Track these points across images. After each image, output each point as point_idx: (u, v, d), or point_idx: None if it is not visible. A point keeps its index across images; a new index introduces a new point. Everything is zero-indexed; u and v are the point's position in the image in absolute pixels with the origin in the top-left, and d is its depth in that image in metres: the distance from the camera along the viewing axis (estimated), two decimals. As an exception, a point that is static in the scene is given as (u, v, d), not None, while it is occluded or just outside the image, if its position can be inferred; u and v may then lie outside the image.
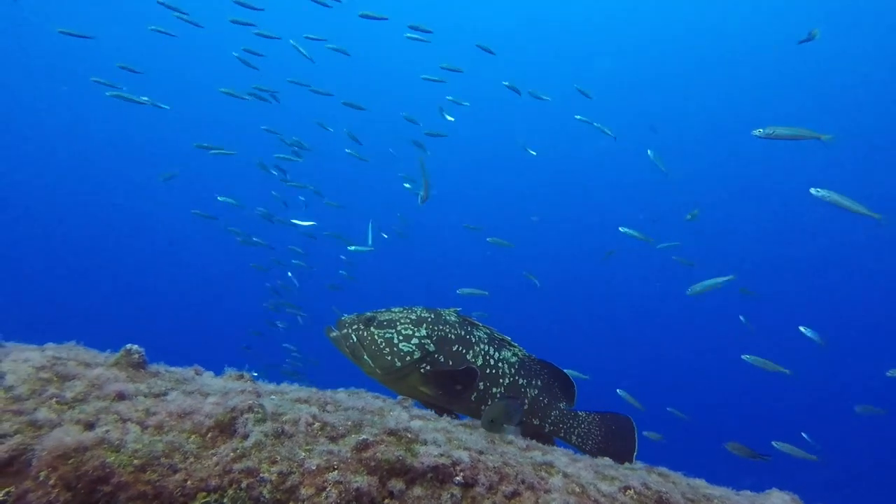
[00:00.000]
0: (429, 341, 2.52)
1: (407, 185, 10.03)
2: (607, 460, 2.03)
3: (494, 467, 1.62)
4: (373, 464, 1.51)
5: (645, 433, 6.74)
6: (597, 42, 28.97)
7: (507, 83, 9.52)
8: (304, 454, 1.50)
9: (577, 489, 1.63)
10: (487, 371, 2.62)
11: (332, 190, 12.20)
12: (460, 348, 2.58)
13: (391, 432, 1.64)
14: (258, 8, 8.18)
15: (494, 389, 2.62)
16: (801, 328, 6.56)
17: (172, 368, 2.04)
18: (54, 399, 1.65)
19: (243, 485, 1.40)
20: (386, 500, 1.46)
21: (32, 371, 1.75)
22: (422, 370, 2.49)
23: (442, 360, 2.52)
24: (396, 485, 1.49)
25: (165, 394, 1.73)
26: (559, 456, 1.88)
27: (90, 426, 1.52)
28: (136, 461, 1.41)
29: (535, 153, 11.17)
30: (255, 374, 2.08)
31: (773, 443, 6.44)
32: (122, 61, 8.48)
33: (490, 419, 2.00)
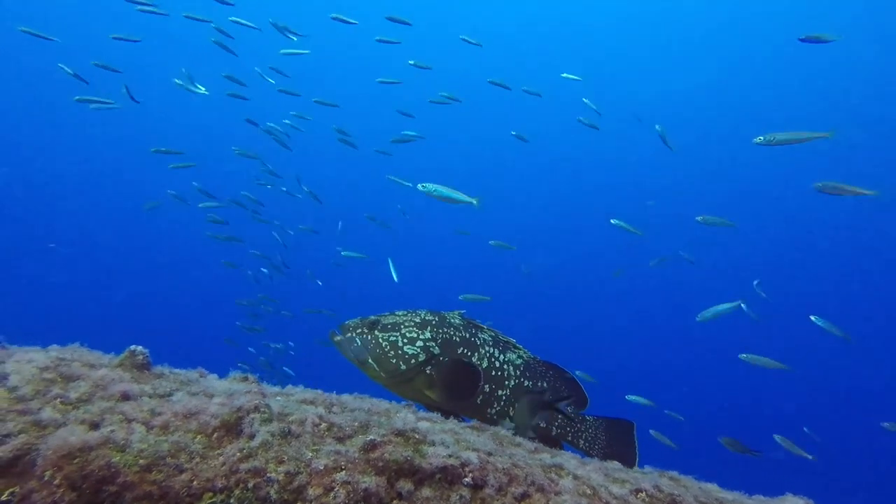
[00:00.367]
0: (433, 344, 2.51)
1: (393, 178, 9.93)
2: (616, 464, 2.01)
3: (504, 469, 1.60)
4: (381, 464, 1.49)
5: (652, 432, 6.70)
6: (599, 41, 28.93)
7: (493, 81, 9.44)
8: (311, 454, 1.48)
9: (589, 491, 1.61)
10: (493, 373, 2.60)
11: (315, 185, 12.02)
12: (465, 350, 2.57)
13: (399, 433, 1.62)
14: (229, 3, 8.03)
15: (500, 392, 2.60)
16: (813, 317, 6.47)
17: (177, 370, 2.03)
18: (59, 399, 1.63)
19: (250, 485, 1.38)
20: (394, 501, 1.44)
21: (36, 372, 1.74)
22: (427, 373, 2.47)
23: (443, 368, 2.50)
24: (405, 485, 1.47)
25: (170, 394, 1.72)
26: (568, 458, 1.86)
27: (95, 426, 1.51)
28: (141, 461, 1.40)
29: (515, 133, 11.05)
30: (258, 375, 2.06)
31: (775, 436, 6.41)
32: (106, 59, 8.36)
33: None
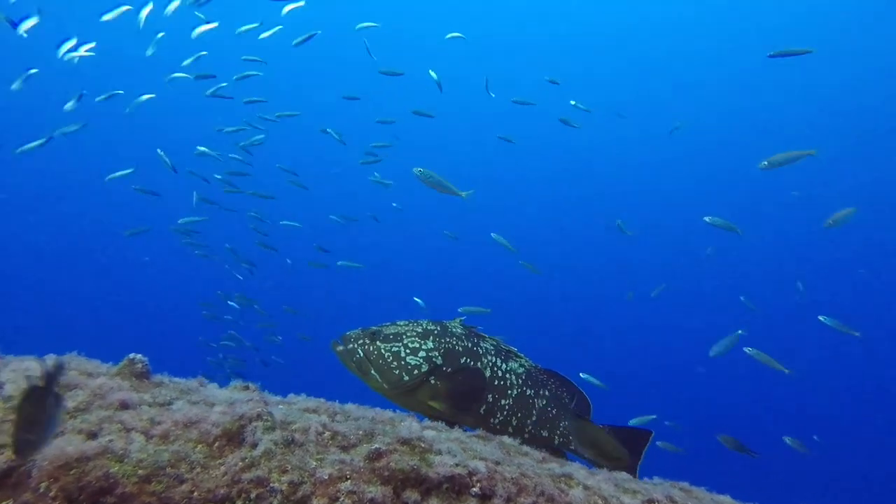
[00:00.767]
0: (436, 353, 2.48)
1: (377, 176, 9.85)
2: (625, 474, 1.97)
3: (512, 478, 1.56)
4: (386, 473, 1.45)
5: (659, 443, 6.60)
6: (599, 44, 28.97)
7: (417, 111, 9.42)
8: (315, 463, 1.44)
9: (600, 502, 1.56)
10: (496, 383, 2.57)
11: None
12: (468, 360, 2.54)
13: (404, 441, 1.58)
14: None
15: (503, 401, 2.57)
16: (822, 318, 6.43)
17: (177, 379, 1.99)
18: (55, 409, 1.59)
19: (253, 495, 1.34)
20: (401, 512, 1.40)
21: (33, 380, 1.70)
22: (430, 383, 2.44)
23: (450, 372, 2.47)
24: (411, 495, 1.43)
25: (170, 403, 1.68)
26: (577, 468, 1.82)
27: (93, 435, 1.47)
28: (140, 471, 1.35)
29: (502, 136, 10.94)
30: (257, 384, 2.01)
31: (785, 438, 6.36)
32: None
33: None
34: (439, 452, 1.57)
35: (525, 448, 1.93)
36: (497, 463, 1.62)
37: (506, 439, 1.96)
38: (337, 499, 1.35)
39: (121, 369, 1.85)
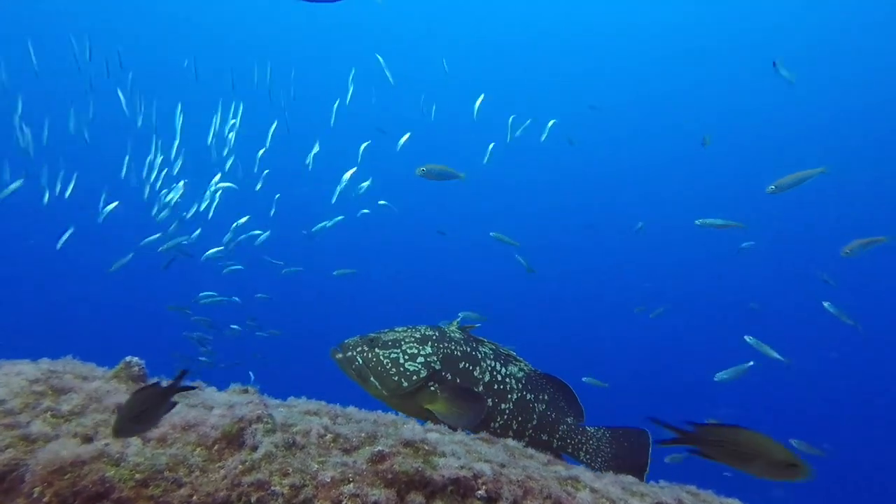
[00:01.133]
0: (435, 359, 2.48)
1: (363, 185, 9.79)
2: (631, 477, 1.94)
3: (518, 481, 1.53)
4: (390, 476, 1.41)
5: (666, 459, 6.54)
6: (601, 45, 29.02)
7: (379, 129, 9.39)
8: (317, 466, 1.40)
9: None
10: (495, 387, 2.57)
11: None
12: (467, 365, 2.54)
13: (408, 443, 1.54)
14: None
15: (503, 406, 2.56)
16: (825, 304, 6.36)
17: (174, 383, 1.95)
18: (49, 412, 1.55)
19: (253, 499, 1.30)
20: (406, 515, 1.36)
21: (25, 384, 1.66)
22: (429, 389, 2.43)
23: (449, 377, 2.47)
24: (416, 498, 1.39)
25: (168, 406, 1.64)
26: (583, 471, 1.79)
27: (88, 439, 1.43)
28: (137, 475, 1.32)
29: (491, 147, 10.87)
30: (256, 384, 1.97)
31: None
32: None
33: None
34: (443, 455, 1.53)
35: (530, 451, 1.90)
36: (502, 465, 1.59)
37: (510, 442, 1.93)
38: (340, 502, 1.32)
39: (117, 372, 1.82)
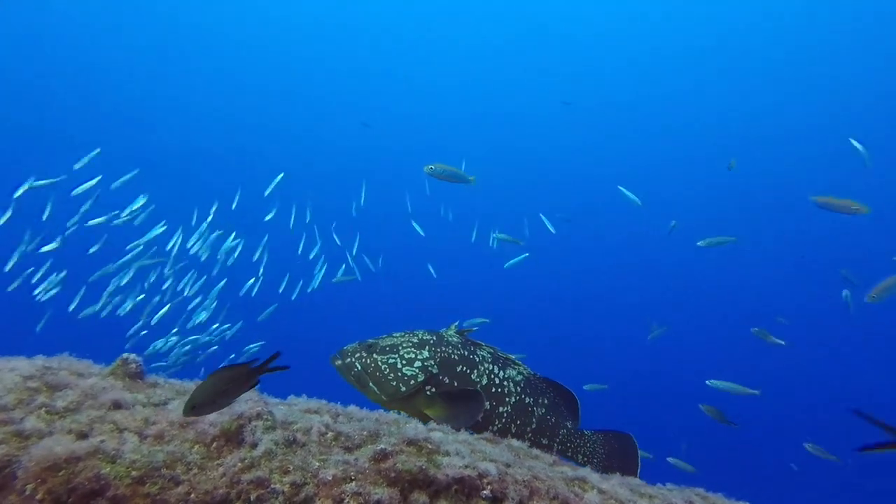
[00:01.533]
0: (432, 363, 2.49)
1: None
2: (637, 479, 1.91)
3: (524, 481, 1.49)
4: (393, 475, 1.38)
5: (670, 459, 6.51)
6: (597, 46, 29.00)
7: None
8: (318, 464, 1.37)
9: (615, 504, 1.49)
10: (493, 390, 2.57)
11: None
12: (464, 368, 2.54)
13: (411, 442, 1.51)
14: None
15: (501, 409, 2.56)
16: (844, 293, 6.30)
17: (172, 380, 1.92)
18: (44, 408, 1.52)
19: (253, 497, 1.26)
20: (409, 515, 1.33)
21: (20, 380, 1.62)
22: (427, 393, 2.42)
23: (446, 381, 2.48)
24: (419, 497, 1.36)
25: (166, 403, 1.61)
26: (589, 471, 1.75)
27: (83, 436, 1.39)
28: (134, 472, 1.28)
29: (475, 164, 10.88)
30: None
31: (806, 445, 6.28)
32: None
33: None
34: (447, 454, 1.50)
35: (535, 451, 1.86)
36: (507, 465, 1.55)
37: (514, 442, 1.90)
38: (342, 500, 1.28)
39: (114, 369, 1.78)
